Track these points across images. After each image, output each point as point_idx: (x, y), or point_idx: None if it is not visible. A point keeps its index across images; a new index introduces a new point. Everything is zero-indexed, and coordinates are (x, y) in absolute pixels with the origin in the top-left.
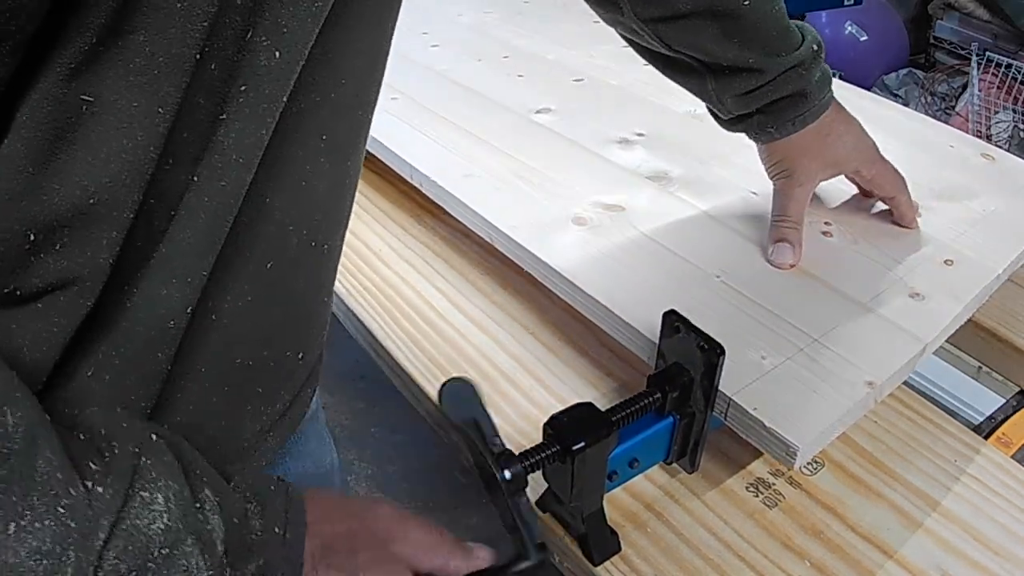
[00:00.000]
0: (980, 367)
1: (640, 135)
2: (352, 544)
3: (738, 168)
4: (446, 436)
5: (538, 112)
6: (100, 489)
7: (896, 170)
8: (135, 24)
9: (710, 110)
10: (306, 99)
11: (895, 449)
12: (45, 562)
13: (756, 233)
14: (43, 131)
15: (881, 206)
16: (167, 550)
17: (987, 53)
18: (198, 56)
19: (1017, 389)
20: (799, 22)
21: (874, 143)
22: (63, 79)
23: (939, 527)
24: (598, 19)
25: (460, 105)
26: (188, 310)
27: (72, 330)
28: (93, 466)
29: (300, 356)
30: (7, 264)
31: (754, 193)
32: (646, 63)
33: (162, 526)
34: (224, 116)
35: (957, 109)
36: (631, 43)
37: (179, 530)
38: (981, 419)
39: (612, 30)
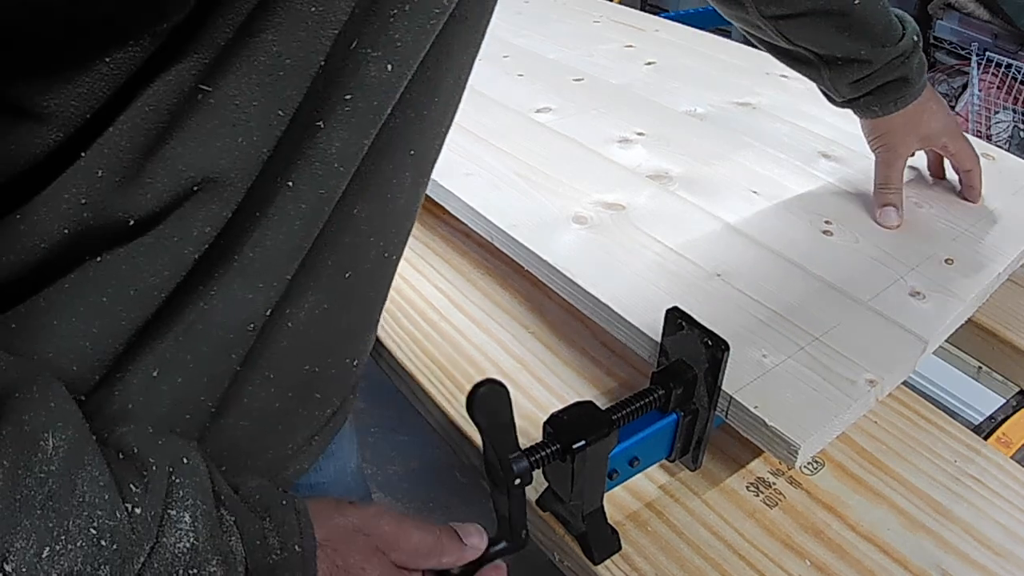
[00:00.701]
0: (980, 367)
1: (640, 134)
2: (361, 562)
3: (739, 167)
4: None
5: (538, 111)
6: (139, 511)
7: (973, 147)
8: (267, 23)
9: (823, 91)
10: (403, 114)
11: (895, 449)
12: None
13: (757, 232)
14: (158, 118)
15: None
16: (194, 570)
17: (987, 53)
18: (323, 62)
19: (1017, 389)
20: (900, 12)
21: (957, 122)
22: (190, 71)
23: (939, 527)
24: (598, 19)
25: (460, 104)
26: (267, 312)
27: (140, 323)
28: (134, 488)
29: (355, 363)
30: (99, 243)
31: (755, 192)
32: (647, 63)
33: (188, 545)
34: (325, 124)
35: (957, 109)
36: (753, 37)
37: (206, 550)
38: (981, 419)
39: (612, 30)
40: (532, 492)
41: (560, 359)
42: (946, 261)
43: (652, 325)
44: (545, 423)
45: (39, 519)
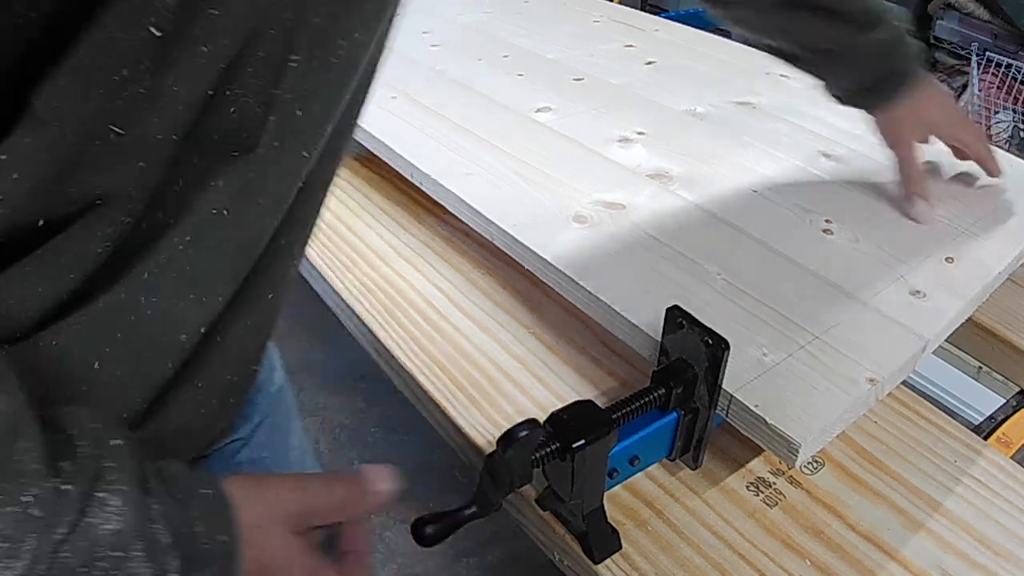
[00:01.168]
0: (980, 367)
1: (640, 134)
2: (281, 553)
3: (738, 166)
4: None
5: (538, 111)
6: (68, 487)
7: (980, 130)
8: (168, 63)
9: (831, 93)
10: (326, 150)
11: (895, 449)
12: (5, 545)
13: (757, 230)
14: (69, 150)
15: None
16: (118, 553)
17: (987, 53)
18: (211, 93)
19: (1017, 389)
20: (887, 4)
21: (959, 108)
22: (99, 102)
23: (939, 527)
24: (598, 19)
25: (460, 104)
26: (202, 330)
27: (53, 303)
28: (65, 466)
29: (259, 368)
30: (11, 244)
31: (755, 191)
32: (647, 63)
33: (113, 528)
34: (253, 160)
35: None
36: (751, 39)
37: (130, 535)
38: (981, 419)
39: (612, 30)
40: (532, 491)
41: (560, 359)
42: (946, 260)
43: (652, 324)
44: (545, 422)
45: None
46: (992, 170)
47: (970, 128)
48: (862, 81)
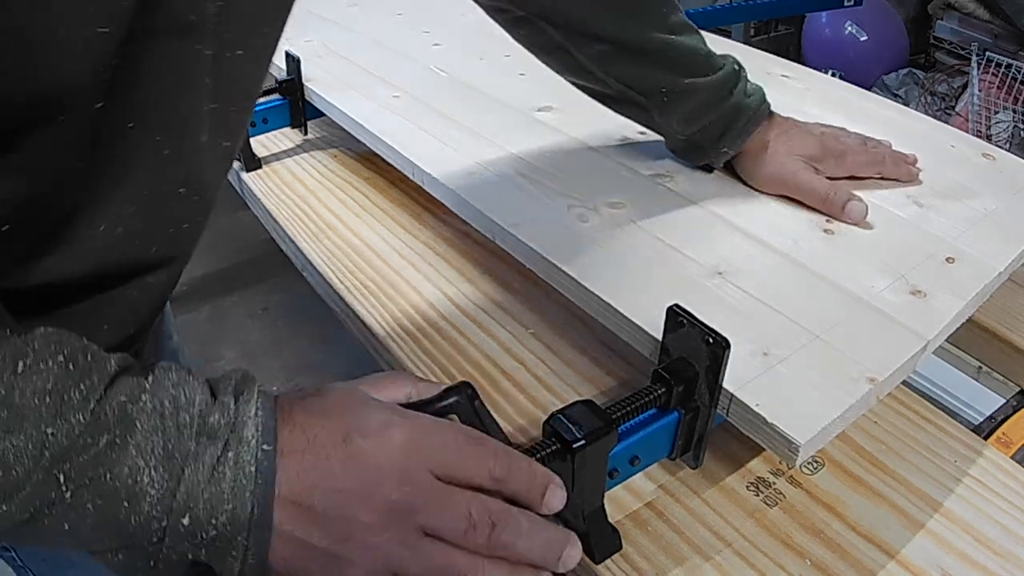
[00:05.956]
0: (980, 367)
1: (642, 133)
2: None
3: None
4: None
5: (540, 110)
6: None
7: (863, 145)
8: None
9: (669, 147)
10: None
11: (895, 449)
12: (48, 399)
13: (758, 230)
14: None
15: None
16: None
17: (987, 53)
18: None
19: (1017, 389)
20: (711, 51)
21: (822, 139)
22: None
23: (939, 527)
24: None
25: (462, 103)
26: None
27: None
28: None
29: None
30: None
31: (755, 191)
32: None
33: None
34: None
35: (957, 109)
36: (581, 87)
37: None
38: (981, 419)
39: None
40: None
41: (560, 359)
42: (947, 260)
43: (653, 323)
44: (545, 422)
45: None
46: (913, 175)
47: (854, 153)
48: (696, 123)
